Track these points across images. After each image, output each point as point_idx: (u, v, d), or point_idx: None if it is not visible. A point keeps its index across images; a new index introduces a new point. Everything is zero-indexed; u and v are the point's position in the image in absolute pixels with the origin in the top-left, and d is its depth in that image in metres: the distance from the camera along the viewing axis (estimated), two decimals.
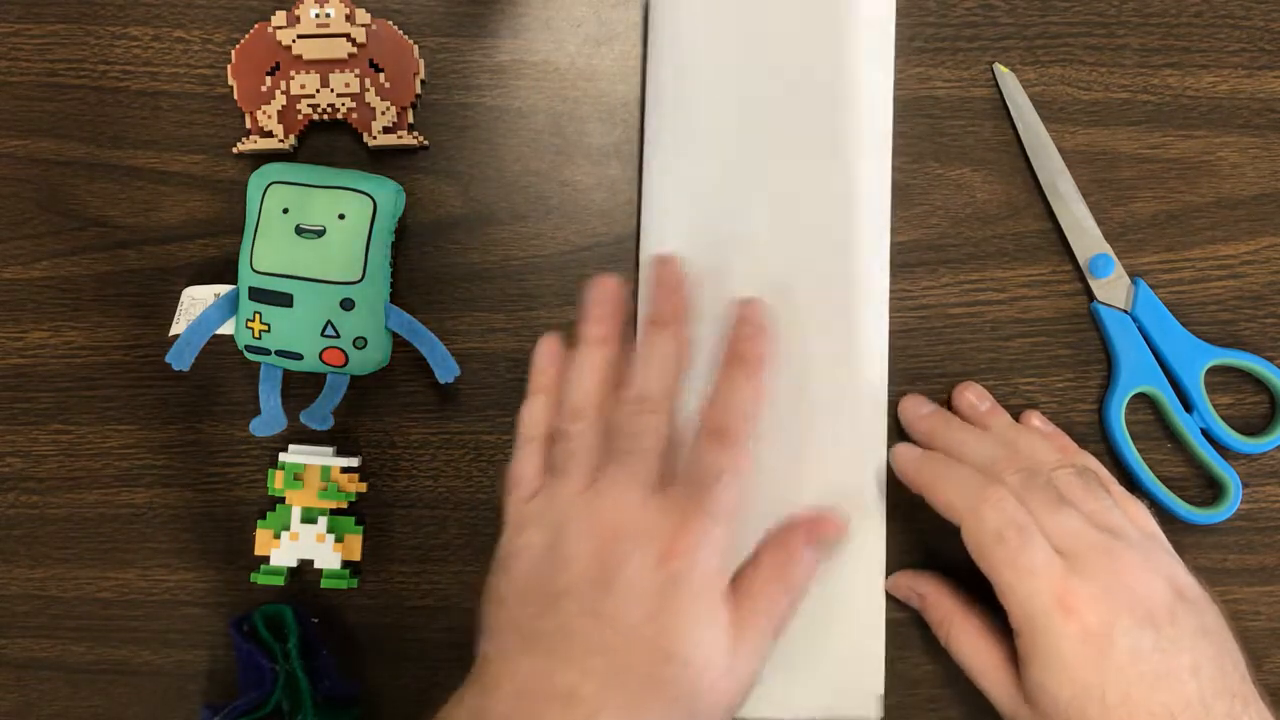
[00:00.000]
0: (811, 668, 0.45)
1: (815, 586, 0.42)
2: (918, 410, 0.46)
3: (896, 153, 0.47)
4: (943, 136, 0.48)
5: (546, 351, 0.44)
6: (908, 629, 0.47)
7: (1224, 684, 0.38)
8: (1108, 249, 0.47)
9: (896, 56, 0.47)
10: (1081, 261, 0.47)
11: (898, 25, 0.47)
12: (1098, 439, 0.47)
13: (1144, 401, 0.47)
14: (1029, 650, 0.39)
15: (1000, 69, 0.47)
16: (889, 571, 0.46)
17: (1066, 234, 0.47)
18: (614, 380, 0.43)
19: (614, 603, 0.37)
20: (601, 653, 0.37)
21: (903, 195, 0.47)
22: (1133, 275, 0.47)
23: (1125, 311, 0.46)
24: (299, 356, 0.44)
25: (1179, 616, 0.38)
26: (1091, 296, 0.47)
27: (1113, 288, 0.47)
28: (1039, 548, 0.39)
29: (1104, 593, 0.38)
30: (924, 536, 0.47)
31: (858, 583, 0.46)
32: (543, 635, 0.38)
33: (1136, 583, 0.39)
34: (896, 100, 0.47)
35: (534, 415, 0.43)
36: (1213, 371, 0.47)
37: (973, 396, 0.46)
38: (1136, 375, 0.46)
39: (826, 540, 0.42)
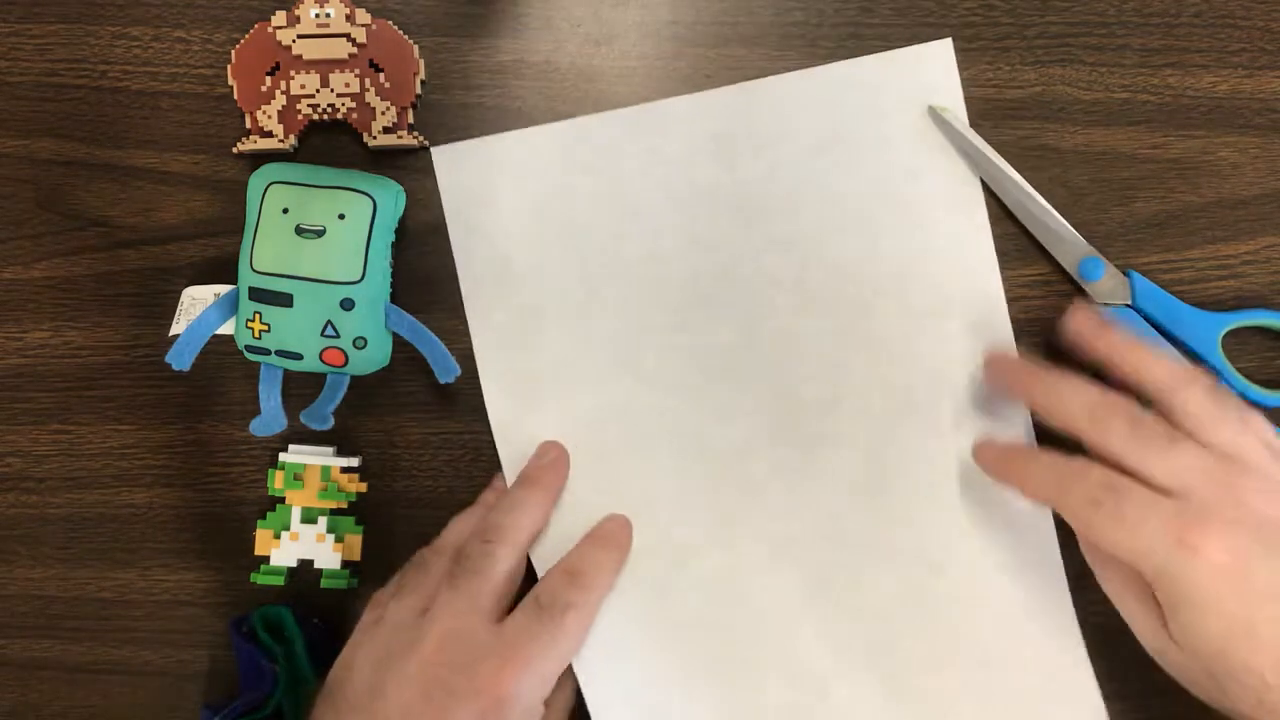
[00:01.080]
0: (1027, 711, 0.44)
1: (1007, 639, 0.44)
2: (1004, 364, 0.44)
3: None
4: None
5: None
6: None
7: None
8: (1093, 251, 0.46)
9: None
10: (1071, 271, 0.47)
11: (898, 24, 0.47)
12: None
13: None
14: (1168, 598, 0.36)
15: (937, 108, 0.46)
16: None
17: (1048, 249, 0.47)
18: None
19: None
20: None
21: None
22: (1124, 269, 0.46)
23: (1129, 306, 0.46)
24: (299, 356, 0.44)
25: None
26: (1091, 300, 0.47)
27: (1109, 287, 0.46)
28: (1139, 496, 0.37)
29: (1227, 524, 0.36)
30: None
31: (1048, 621, 0.45)
32: None
33: (1263, 506, 0.36)
34: None
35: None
36: (1227, 339, 0.46)
37: (1081, 320, 0.43)
38: None
39: None
